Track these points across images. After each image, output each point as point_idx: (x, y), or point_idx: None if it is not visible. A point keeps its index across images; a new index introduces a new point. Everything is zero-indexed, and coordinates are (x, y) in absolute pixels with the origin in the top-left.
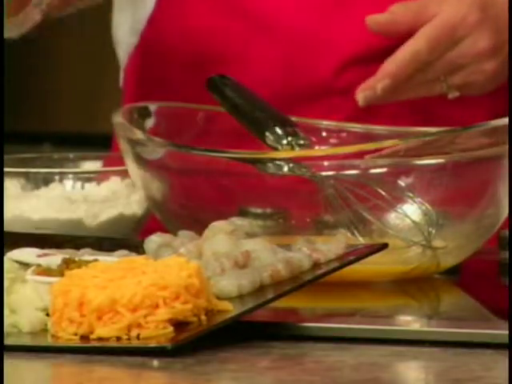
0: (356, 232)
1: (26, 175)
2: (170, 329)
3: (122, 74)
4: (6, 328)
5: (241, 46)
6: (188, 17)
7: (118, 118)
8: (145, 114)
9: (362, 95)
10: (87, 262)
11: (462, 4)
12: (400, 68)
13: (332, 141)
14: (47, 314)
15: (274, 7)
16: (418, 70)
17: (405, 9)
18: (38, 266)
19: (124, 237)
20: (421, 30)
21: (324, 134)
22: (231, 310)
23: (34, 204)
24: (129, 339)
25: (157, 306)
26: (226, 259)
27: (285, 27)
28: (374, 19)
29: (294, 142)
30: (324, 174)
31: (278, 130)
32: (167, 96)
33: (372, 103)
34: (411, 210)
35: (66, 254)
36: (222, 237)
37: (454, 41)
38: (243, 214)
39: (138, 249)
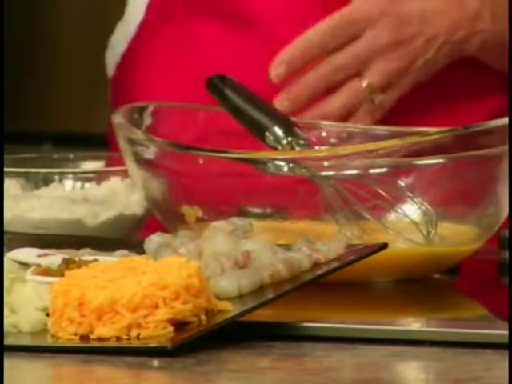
0: (355, 232)
1: (26, 175)
2: (170, 329)
3: (109, 87)
4: (6, 328)
5: (236, 51)
6: (179, 23)
7: (118, 118)
8: (145, 114)
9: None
10: (87, 262)
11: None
12: (293, 53)
13: (332, 141)
14: (47, 314)
15: (270, 14)
16: (329, 71)
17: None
18: (38, 266)
19: (124, 237)
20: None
21: (324, 134)
22: (231, 309)
23: (34, 204)
24: (129, 339)
25: (157, 306)
26: (225, 259)
27: (282, 32)
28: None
29: (293, 142)
30: (324, 173)
31: (278, 130)
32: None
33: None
34: (411, 210)
35: (66, 253)
36: (222, 237)
37: (352, 33)
38: (243, 214)
39: (138, 249)
